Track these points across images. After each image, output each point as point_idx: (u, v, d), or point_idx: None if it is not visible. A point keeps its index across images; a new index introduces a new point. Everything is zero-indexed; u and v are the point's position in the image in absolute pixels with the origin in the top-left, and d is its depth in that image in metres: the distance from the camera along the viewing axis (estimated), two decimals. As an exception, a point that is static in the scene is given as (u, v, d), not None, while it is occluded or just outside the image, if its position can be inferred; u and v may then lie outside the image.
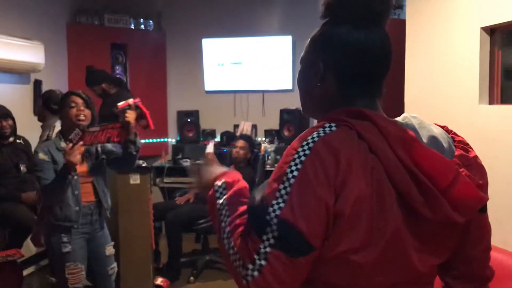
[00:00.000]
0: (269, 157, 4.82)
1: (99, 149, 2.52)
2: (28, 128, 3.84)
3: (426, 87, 2.82)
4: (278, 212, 0.78)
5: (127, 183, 3.27)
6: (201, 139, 5.37)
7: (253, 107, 5.38)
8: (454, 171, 0.80)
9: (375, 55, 0.87)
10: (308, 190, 0.77)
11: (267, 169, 4.43)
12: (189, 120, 5.35)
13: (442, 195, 0.78)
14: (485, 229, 0.94)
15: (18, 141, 3.63)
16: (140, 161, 3.31)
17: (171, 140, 5.54)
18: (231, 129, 5.31)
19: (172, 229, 3.77)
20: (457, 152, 0.87)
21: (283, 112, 5.09)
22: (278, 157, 4.77)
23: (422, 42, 2.86)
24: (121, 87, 3.96)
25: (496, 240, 0.98)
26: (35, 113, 4.14)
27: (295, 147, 0.81)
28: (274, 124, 5.22)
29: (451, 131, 0.93)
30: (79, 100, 2.42)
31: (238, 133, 5.00)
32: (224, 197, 0.93)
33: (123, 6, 5.29)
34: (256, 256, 0.78)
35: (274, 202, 0.79)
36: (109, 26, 5.13)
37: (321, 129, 0.82)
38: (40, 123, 3.57)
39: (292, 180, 0.78)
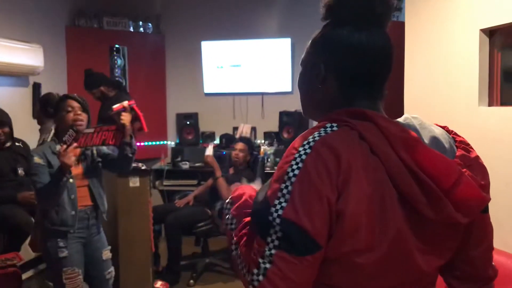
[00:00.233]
0: (269, 160, 4.82)
1: (95, 151, 2.52)
2: (27, 131, 3.82)
3: (426, 89, 2.82)
4: (280, 212, 0.77)
5: (126, 186, 3.27)
6: (201, 141, 5.37)
7: (253, 110, 5.38)
8: (457, 172, 0.80)
9: (376, 56, 0.87)
10: (310, 187, 0.76)
11: (267, 171, 4.42)
12: (188, 122, 5.34)
13: (445, 195, 0.78)
14: (487, 229, 0.94)
15: (17, 144, 3.60)
16: (140, 164, 3.31)
17: (171, 143, 5.54)
18: (230, 132, 5.31)
19: (172, 232, 3.77)
20: (459, 152, 0.87)
21: (282, 114, 5.09)
22: (277, 159, 4.77)
23: (421, 44, 2.86)
24: (120, 89, 3.95)
25: (496, 241, 0.98)
26: (34, 116, 4.12)
27: (295, 147, 0.80)
28: (274, 126, 5.21)
29: (452, 131, 0.93)
30: (76, 104, 2.41)
31: (237, 136, 4.99)
32: (229, 212, 0.97)
33: (122, 9, 5.30)
34: (261, 260, 0.78)
35: (276, 202, 0.78)
36: (108, 29, 5.13)
37: (322, 129, 0.82)
38: (39, 126, 3.56)
39: (293, 179, 0.77)
